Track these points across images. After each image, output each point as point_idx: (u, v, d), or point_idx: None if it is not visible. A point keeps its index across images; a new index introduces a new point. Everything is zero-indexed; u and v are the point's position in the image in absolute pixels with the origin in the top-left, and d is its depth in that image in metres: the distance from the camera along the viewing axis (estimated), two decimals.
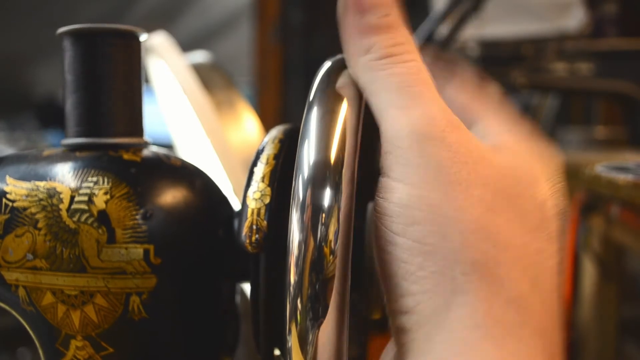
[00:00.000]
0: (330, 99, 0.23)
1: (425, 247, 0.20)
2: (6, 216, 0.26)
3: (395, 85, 0.22)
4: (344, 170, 0.21)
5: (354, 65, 0.24)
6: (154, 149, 0.30)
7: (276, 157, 0.26)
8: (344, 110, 0.23)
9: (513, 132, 0.25)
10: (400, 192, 0.21)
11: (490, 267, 0.20)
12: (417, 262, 0.21)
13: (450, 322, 0.20)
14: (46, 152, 0.28)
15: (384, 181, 0.22)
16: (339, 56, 0.26)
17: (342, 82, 0.24)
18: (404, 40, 0.23)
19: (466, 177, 0.21)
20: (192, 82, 0.41)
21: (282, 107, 2.26)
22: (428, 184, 0.21)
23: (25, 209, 0.26)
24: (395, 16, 0.24)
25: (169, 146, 0.55)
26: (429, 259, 0.20)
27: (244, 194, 0.26)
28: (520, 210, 0.21)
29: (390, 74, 0.23)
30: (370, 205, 0.28)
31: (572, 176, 0.67)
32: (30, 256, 0.26)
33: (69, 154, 0.28)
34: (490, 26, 0.96)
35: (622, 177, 0.51)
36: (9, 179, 0.27)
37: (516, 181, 0.22)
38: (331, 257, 0.20)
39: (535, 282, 0.21)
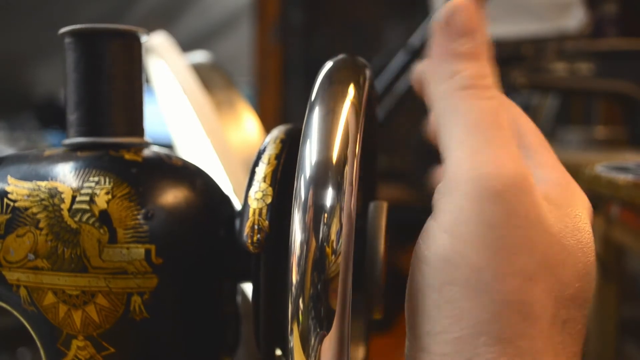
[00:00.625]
0: (332, 99, 0.23)
1: (456, 311, 0.20)
2: (7, 216, 0.26)
3: (470, 123, 0.22)
4: (345, 170, 0.21)
5: (434, 88, 0.24)
6: (154, 149, 0.30)
7: (278, 157, 0.26)
8: (346, 110, 0.23)
9: (563, 178, 0.25)
10: (444, 243, 0.21)
11: (515, 340, 0.20)
12: (444, 323, 0.20)
13: None
14: (47, 152, 0.28)
15: (429, 225, 0.21)
16: (339, 56, 0.26)
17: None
18: (489, 73, 0.23)
19: (514, 242, 0.20)
20: (192, 82, 0.41)
21: (282, 107, 2.26)
22: (474, 244, 0.20)
23: (26, 208, 0.26)
24: (484, 46, 0.24)
25: (169, 146, 0.55)
26: (457, 323, 0.20)
27: (245, 193, 0.26)
28: (558, 280, 0.21)
29: (469, 109, 0.22)
30: (371, 205, 0.28)
31: (572, 176, 0.67)
32: (31, 256, 0.26)
33: (70, 153, 0.28)
34: (490, 26, 0.96)
35: (622, 177, 0.51)
36: (10, 179, 0.27)
37: (562, 248, 0.21)
38: (333, 257, 0.20)
39: (558, 352, 0.21)
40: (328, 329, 0.20)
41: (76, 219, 0.25)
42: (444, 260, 0.20)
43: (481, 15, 0.24)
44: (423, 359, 0.21)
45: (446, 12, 0.24)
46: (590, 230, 0.23)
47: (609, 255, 0.88)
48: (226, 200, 0.30)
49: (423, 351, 0.21)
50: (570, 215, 0.23)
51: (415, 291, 0.21)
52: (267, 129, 0.33)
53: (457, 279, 0.20)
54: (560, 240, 0.21)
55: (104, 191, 0.26)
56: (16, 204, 0.26)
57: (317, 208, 0.20)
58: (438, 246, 0.21)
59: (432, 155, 0.27)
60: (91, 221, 0.25)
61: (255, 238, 0.25)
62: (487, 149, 0.21)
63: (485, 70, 0.23)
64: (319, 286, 0.20)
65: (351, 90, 0.23)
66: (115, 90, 0.29)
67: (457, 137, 0.22)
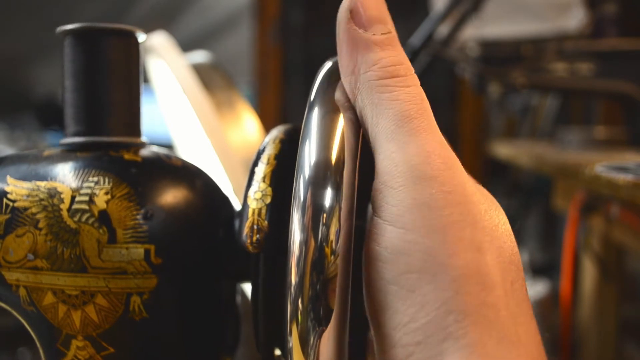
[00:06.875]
0: (331, 99, 0.23)
1: (419, 297, 0.20)
2: (7, 216, 0.26)
3: (396, 114, 0.22)
4: (344, 170, 0.21)
5: (353, 81, 0.23)
6: (154, 149, 0.30)
7: (277, 157, 0.26)
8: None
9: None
10: (392, 236, 0.21)
11: (482, 310, 0.20)
12: (410, 312, 0.20)
13: None
14: (47, 152, 0.28)
15: (374, 221, 0.22)
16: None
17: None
18: (405, 60, 0.23)
19: (458, 218, 0.21)
20: (192, 82, 0.41)
21: (282, 107, 2.26)
22: (421, 228, 0.20)
23: (26, 209, 0.26)
24: (395, 34, 0.24)
25: (169, 146, 0.55)
26: (423, 309, 0.20)
27: (244, 194, 0.26)
28: (498, 246, 0.22)
29: (392, 99, 0.22)
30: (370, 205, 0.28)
31: (572, 176, 0.67)
32: (31, 256, 0.26)
33: (70, 154, 0.28)
34: (490, 26, 0.96)
35: (622, 177, 0.51)
36: (9, 179, 0.27)
37: (491, 216, 0.22)
38: (332, 257, 0.20)
39: (516, 313, 0.21)
40: (327, 330, 0.20)
41: (75, 219, 0.25)
42: (396, 252, 0.21)
43: (384, 3, 0.24)
44: (397, 354, 0.21)
45: (351, 2, 0.23)
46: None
47: (609, 255, 0.88)
48: (225, 200, 0.30)
49: (395, 346, 0.21)
50: (478, 185, 0.24)
51: (374, 290, 0.21)
52: (267, 129, 0.33)
53: (413, 266, 0.20)
54: (488, 208, 0.22)
55: (103, 191, 0.26)
56: (15, 204, 0.26)
57: (316, 208, 0.20)
58: (387, 239, 0.21)
59: None
60: (90, 221, 0.25)
61: (254, 238, 0.25)
62: (416, 138, 0.22)
63: (400, 58, 0.23)
64: (317, 287, 0.20)
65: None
66: (114, 89, 0.29)
67: (385, 130, 0.22)
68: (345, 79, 0.24)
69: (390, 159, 0.22)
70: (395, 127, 0.22)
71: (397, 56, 0.23)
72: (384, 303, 0.21)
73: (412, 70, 0.23)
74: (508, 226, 0.23)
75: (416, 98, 0.23)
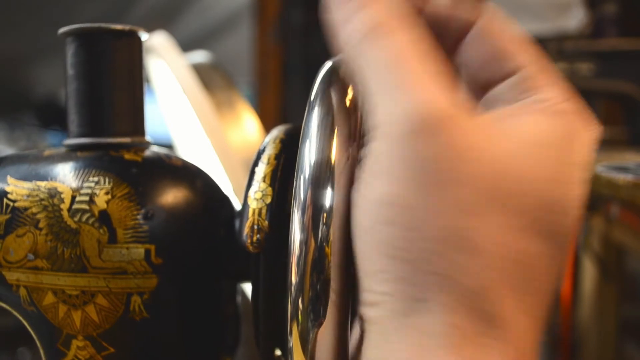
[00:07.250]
0: (331, 98, 0.23)
1: (393, 251, 0.19)
2: (7, 216, 0.26)
3: (383, 62, 0.21)
4: (345, 170, 0.21)
5: (341, 45, 0.23)
6: (155, 149, 0.30)
7: (277, 157, 0.26)
8: (346, 109, 0.23)
9: (561, 104, 0.23)
10: (376, 186, 0.20)
11: (458, 277, 0.19)
12: (382, 263, 0.20)
13: (408, 326, 0.19)
14: (47, 152, 0.28)
15: (364, 171, 0.21)
16: (339, 56, 0.26)
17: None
18: (390, 11, 0.22)
19: (448, 176, 0.19)
20: (192, 82, 0.41)
21: (282, 107, 2.26)
22: (406, 183, 0.19)
23: (26, 209, 0.26)
24: None
25: (169, 146, 0.55)
26: (395, 263, 0.19)
27: (245, 194, 0.26)
28: (506, 209, 0.20)
29: (377, 47, 0.21)
30: None
31: None
32: (31, 256, 0.26)
33: (70, 153, 0.28)
34: None
35: (622, 177, 0.51)
36: (10, 179, 0.27)
37: (512, 178, 0.20)
38: (332, 257, 0.20)
39: (515, 286, 0.20)
40: (327, 329, 0.20)
41: (76, 219, 0.25)
42: (376, 202, 0.20)
43: None
44: (366, 300, 0.20)
45: None
46: (581, 163, 0.22)
47: (609, 255, 0.88)
48: (226, 200, 0.30)
49: (365, 292, 0.20)
50: (551, 147, 0.21)
51: (353, 236, 0.21)
52: (267, 129, 0.33)
53: (391, 219, 0.20)
54: (509, 170, 0.20)
55: (103, 191, 0.26)
56: (16, 204, 0.26)
57: (316, 208, 0.20)
58: (371, 190, 0.20)
59: None
60: (91, 221, 0.25)
61: (254, 238, 0.25)
62: (410, 86, 0.20)
63: (383, 10, 0.22)
64: (318, 287, 0.20)
65: (350, 90, 0.23)
66: (116, 90, 0.29)
67: (375, 82, 0.21)
68: (341, 50, 0.23)
69: (383, 111, 0.20)
70: (386, 75, 0.21)
71: (376, 10, 0.22)
72: (361, 250, 0.20)
73: (401, 16, 0.22)
74: (557, 192, 0.20)
75: (403, 42, 0.21)
